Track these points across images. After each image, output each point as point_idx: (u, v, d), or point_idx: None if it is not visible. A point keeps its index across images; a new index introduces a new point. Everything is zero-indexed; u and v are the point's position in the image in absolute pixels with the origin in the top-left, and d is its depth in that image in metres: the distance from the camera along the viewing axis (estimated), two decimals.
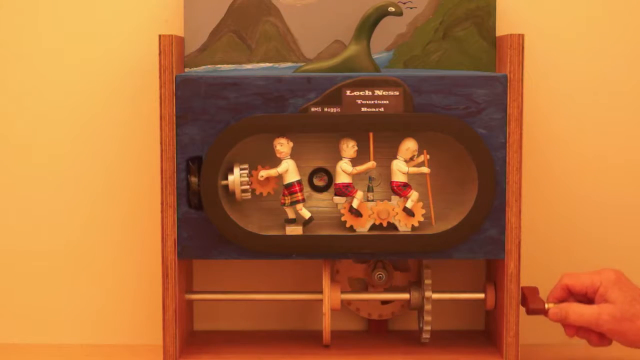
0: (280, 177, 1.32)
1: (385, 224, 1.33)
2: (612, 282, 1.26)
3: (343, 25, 1.38)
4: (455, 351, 1.39)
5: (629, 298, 1.25)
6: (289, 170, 1.31)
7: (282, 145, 1.31)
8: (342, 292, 1.39)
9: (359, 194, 1.32)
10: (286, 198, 1.32)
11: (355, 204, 1.32)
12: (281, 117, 1.29)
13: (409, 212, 1.32)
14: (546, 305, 1.31)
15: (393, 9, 1.33)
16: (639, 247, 1.46)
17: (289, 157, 1.31)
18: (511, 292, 1.32)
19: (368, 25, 1.34)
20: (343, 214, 1.33)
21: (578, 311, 1.28)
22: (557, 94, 1.44)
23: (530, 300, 1.32)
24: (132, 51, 1.43)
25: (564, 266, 1.45)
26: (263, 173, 1.32)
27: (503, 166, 1.30)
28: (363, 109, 1.29)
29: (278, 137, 1.31)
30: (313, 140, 1.36)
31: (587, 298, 1.30)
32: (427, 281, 1.36)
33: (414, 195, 1.32)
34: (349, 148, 1.32)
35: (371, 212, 1.33)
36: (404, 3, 1.38)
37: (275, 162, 1.32)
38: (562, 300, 1.32)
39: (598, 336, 1.29)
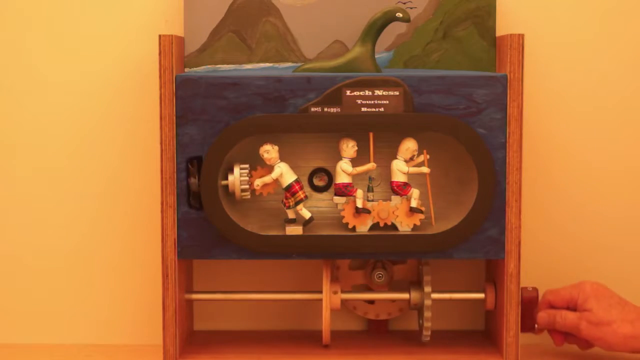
0: (277, 181, 1.32)
1: (383, 224, 1.33)
2: (588, 294, 1.33)
3: (343, 26, 1.38)
4: (455, 351, 1.39)
5: (605, 304, 1.31)
6: (283, 174, 1.31)
7: (269, 152, 1.31)
8: (342, 292, 1.39)
9: (359, 193, 1.32)
10: (290, 200, 1.32)
11: (359, 204, 1.32)
12: (281, 117, 1.29)
13: (416, 210, 1.32)
14: (535, 325, 1.36)
15: (401, 15, 1.33)
16: (637, 246, 1.46)
17: (279, 160, 1.31)
18: (511, 292, 1.32)
19: (375, 29, 1.34)
20: (344, 216, 1.33)
21: (563, 315, 1.34)
22: (557, 94, 1.44)
23: (524, 320, 1.35)
24: (132, 51, 1.43)
25: (563, 266, 1.45)
26: (258, 182, 1.31)
27: (503, 166, 1.30)
28: (363, 109, 1.29)
29: (262, 144, 1.30)
30: (313, 140, 1.36)
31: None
32: (427, 278, 1.36)
33: (415, 193, 1.32)
34: (349, 148, 1.32)
35: (372, 209, 1.33)
36: (404, 3, 1.38)
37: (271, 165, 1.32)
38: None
39: (585, 341, 1.35)
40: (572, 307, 1.34)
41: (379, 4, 1.36)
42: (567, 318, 1.33)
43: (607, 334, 1.29)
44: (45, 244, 1.46)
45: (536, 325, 1.36)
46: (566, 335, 1.36)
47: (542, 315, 1.35)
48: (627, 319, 1.29)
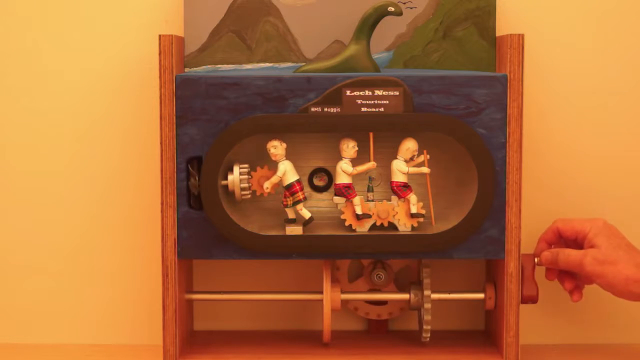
0: (280, 179, 1.32)
1: (385, 224, 1.33)
2: (600, 229, 1.32)
3: (343, 25, 1.38)
4: (455, 351, 1.39)
5: (614, 244, 1.30)
6: (287, 171, 1.31)
7: (276, 148, 1.31)
8: (342, 292, 1.39)
9: (357, 200, 1.32)
10: (288, 199, 1.32)
11: (358, 211, 1.32)
12: (281, 117, 1.29)
13: (418, 216, 1.32)
14: (536, 259, 1.36)
15: (392, 9, 1.33)
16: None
17: (284, 158, 1.31)
18: (511, 292, 1.32)
19: (368, 25, 1.34)
20: (345, 218, 1.33)
21: (566, 252, 1.33)
22: (557, 94, 1.44)
23: (524, 287, 1.35)
24: (132, 51, 1.43)
25: None
26: (267, 184, 1.31)
27: (503, 166, 1.30)
28: (363, 109, 1.29)
29: (270, 140, 1.30)
30: (313, 140, 1.36)
31: (576, 244, 1.35)
32: (427, 281, 1.36)
33: (413, 198, 1.32)
34: (349, 148, 1.32)
35: (373, 208, 1.33)
36: (404, 3, 1.38)
37: (275, 161, 1.32)
38: (551, 244, 1.37)
39: (573, 283, 1.35)
40: (580, 240, 1.34)
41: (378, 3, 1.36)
42: (570, 255, 1.32)
43: (610, 273, 1.29)
44: (45, 244, 1.46)
45: (536, 259, 1.35)
46: (560, 273, 1.36)
47: (546, 255, 1.34)
48: (632, 261, 1.29)
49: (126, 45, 1.43)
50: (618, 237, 1.32)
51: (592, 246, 1.31)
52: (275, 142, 1.31)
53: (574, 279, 1.36)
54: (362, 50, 1.34)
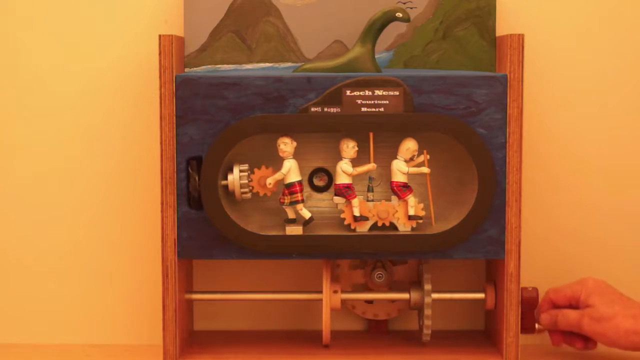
0: (284, 177, 1.32)
1: (385, 224, 1.33)
2: (591, 289, 1.32)
3: (343, 26, 1.38)
4: (455, 351, 1.39)
5: (607, 300, 1.31)
6: (291, 170, 1.32)
7: (286, 145, 1.31)
8: (342, 292, 1.39)
9: (355, 201, 1.31)
10: (286, 198, 1.32)
11: (356, 212, 1.32)
12: (281, 117, 1.29)
13: (415, 218, 1.32)
14: (536, 325, 1.36)
15: (401, 15, 1.33)
16: (638, 246, 1.46)
17: (292, 156, 1.31)
18: (511, 292, 1.32)
19: (374, 29, 1.34)
20: (344, 218, 1.33)
21: (564, 313, 1.34)
22: (557, 94, 1.44)
23: (524, 321, 1.36)
24: (132, 51, 1.43)
25: (563, 266, 1.45)
26: (270, 180, 1.31)
27: (503, 166, 1.30)
28: (363, 109, 1.29)
29: (282, 136, 1.31)
30: (313, 140, 1.36)
31: (572, 309, 1.35)
32: (427, 281, 1.36)
33: (411, 200, 1.32)
34: (349, 148, 1.32)
35: (372, 209, 1.33)
36: (404, 3, 1.38)
37: (275, 161, 1.32)
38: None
39: (583, 341, 1.35)
40: (575, 304, 1.34)
41: (379, 4, 1.36)
42: (568, 316, 1.33)
43: (609, 330, 1.29)
44: (45, 244, 1.46)
45: (537, 326, 1.36)
46: (565, 335, 1.36)
47: (545, 317, 1.35)
48: (629, 314, 1.29)
49: (126, 45, 1.43)
50: (610, 291, 1.32)
51: (587, 306, 1.32)
52: (286, 139, 1.31)
53: (581, 338, 1.35)
54: (367, 54, 1.34)
